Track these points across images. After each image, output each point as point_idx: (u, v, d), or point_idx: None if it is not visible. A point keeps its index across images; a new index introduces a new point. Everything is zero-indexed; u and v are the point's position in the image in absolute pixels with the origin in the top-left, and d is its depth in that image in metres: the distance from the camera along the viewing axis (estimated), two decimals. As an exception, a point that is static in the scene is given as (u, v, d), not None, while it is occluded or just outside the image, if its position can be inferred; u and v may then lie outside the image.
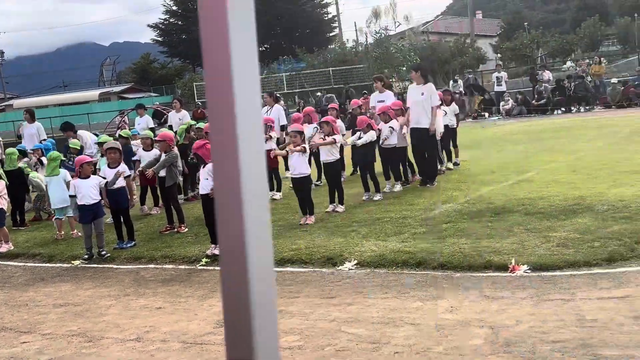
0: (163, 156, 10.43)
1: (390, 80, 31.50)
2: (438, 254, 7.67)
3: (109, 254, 9.58)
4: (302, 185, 10.27)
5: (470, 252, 7.63)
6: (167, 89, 62.82)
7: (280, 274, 7.93)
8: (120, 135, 14.26)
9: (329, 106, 15.99)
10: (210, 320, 6.42)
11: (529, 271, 6.89)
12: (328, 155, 10.97)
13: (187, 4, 76.35)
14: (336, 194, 10.98)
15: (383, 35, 43.35)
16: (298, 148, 10.04)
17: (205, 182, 8.91)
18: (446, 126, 14.17)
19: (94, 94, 64.22)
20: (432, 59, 47.64)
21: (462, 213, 9.67)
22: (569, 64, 39.46)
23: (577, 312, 5.61)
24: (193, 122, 15.03)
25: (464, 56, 45.63)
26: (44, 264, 9.78)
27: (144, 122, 16.94)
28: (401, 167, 12.53)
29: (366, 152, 11.43)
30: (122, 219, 10.02)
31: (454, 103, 15.61)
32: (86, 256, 9.49)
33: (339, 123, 13.81)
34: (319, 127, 11.44)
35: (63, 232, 11.12)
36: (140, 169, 11.29)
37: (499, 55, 49.82)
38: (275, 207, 11.95)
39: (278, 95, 39.75)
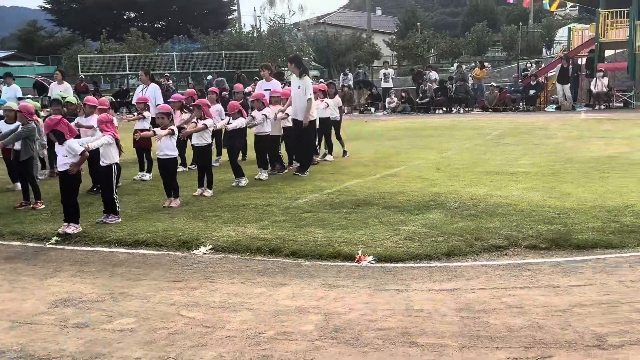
0: (20, 128, 9.98)
1: (283, 69, 31.54)
2: (291, 242, 7.81)
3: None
4: (167, 167, 10.12)
5: (323, 241, 7.81)
6: (53, 59, 59.95)
7: (130, 256, 7.81)
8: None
9: (209, 90, 15.87)
10: (47, 300, 6.22)
11: (373, 262, 7.14)
12: (199, 139, 10.87)
13: None
14: (205, 178, 10.92)
15: (277, 23, 43.33)
16: (164, 132, 9.88)
17: (63, 158, 8.60)
18: (327, 119, 14.43)
19: None
20: (327, 50, 48.22)
21: (325, 204, 9.87)
22: (455, 66, 41.02)
23: (407, 302, 5.87)
24: (68, 96, 14.49)
25: (359, 50, 46.41)
26: None
27: (12, 92, 16.13)
28: (269, 155, 12.66)
29: (234, 137, 11.45)
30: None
31: (337, 96, 15.90)
32: None
33: (218, 107, 13.75)
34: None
35: None
36: (-1, 142, 10.76)
37: (394, 53, 51.03)
38: (143, 187, 11.73)
39: (168, 74, 39.12)
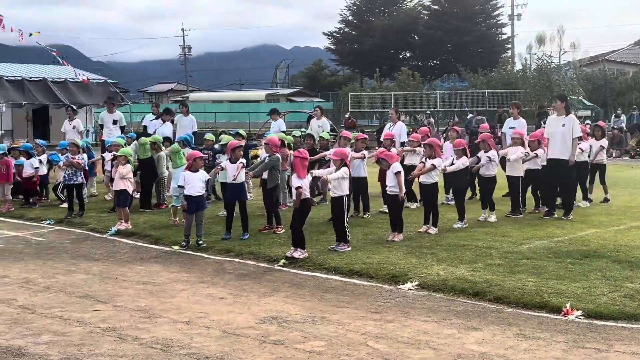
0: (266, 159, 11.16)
1: (548, 109, 30.40)
2: (498, 287, 7.65)
3: (205, 244, 10.42)
4: (394, 203, 10.51)
5: (532, 289, 7.54)
6: (332, 96, 64.44)
7: (342, 284, 8.30)
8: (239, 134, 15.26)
9: (451, 128, 16.12)
10: (257, 316, 6.92)
11: (581, 317, 6.72)
12: (426, 177, 11.14)
13: (363, 15, 78.38)
14: (431, 215, 11.12)
15: (546, 62, 41.88)
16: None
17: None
18: (585, 162, 13.75)
19: (261, 94, 67.75)
20: (604, 89, 45.29)
21: (550, 251, 9.44)
22: None
23: (601, 364, 5.46)
24: (324, 131, 15.92)
25: (640, 90, 42.94)
26: (149, 245, 10.86)
27: (276, 126, 17.92)
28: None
29: (457, 177, 11.50)
30: (240, 212, 10.91)
31: (604, 139, 15.11)
32: (184, 243, 10.41)
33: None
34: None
35: (177, 219, 12.17)
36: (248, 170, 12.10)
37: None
38: (375, 221, 12.27)
39: (429, 112, 39.86)
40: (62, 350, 5.84)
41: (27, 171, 15.07)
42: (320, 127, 17.44)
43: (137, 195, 14.70)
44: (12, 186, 15.05)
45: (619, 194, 15.62)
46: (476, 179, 13.35)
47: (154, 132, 17.69)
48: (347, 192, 10.31)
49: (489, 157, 11.86)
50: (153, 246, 10.80)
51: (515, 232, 11.01)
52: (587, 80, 46.25)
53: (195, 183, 10.47)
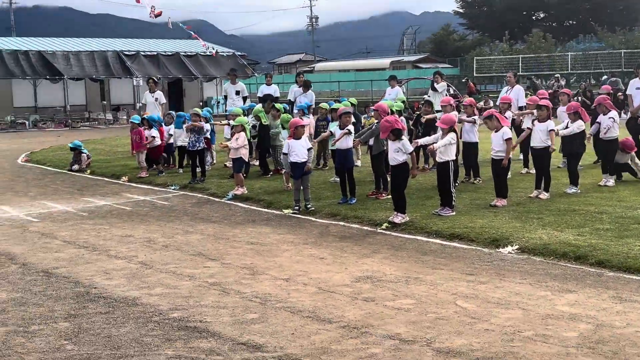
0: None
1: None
2: (602, 251, 7.48)
3: (313, 208, 10.84)
4: (498, 168, 10.40)
5: (637, 254, 7.31)
6: (460, 61, 63.03)
7: (441, 247, 8.42)
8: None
9: (561, 91, 15.64)
10: (353, 275, 7.22)
11: (688, 283, 6.47)
12: (539, 142, 10.88)
13: None
14: (542, 181, 10.90)
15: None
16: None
17: (395, 154, 9.67)
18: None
19: (386, 62, 67.56)
20: None
21: (667, 217, 9.03)
22: None
23: (697, 328, 5.29)
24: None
25: None
26: (262, 209, 11.43)
27: (394, 93, 17.96)
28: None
29: (572, 142, 11.11)
30: (347, 177, 11.24)
31: None
32: (296, 207, 10.88)
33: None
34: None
35: (289, 184, 12.67)
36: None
37: None
38: (482, 187, 12.17)
39: (558, 75, 38.18)
40: (172, 301, 6.43)
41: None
42: (441, 91, 17.38)
43: (256, 163, 15.41)
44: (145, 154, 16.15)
45: None
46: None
47: (295, 100, 18.49)
48: (454, 157, 10.30)
49: (613, 118, 11.46)
50: (265, 210, 11.36)
51: (634, 196, 10.57)
52: None
53: (299, 150, 10.87)
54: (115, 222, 10.64)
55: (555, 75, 38.35)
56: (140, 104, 22.50)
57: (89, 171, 16.98)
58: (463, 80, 35.23)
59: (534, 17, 74.42)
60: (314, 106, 17.92)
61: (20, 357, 5.10)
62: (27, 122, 35.34)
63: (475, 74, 45.98)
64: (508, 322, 5.62)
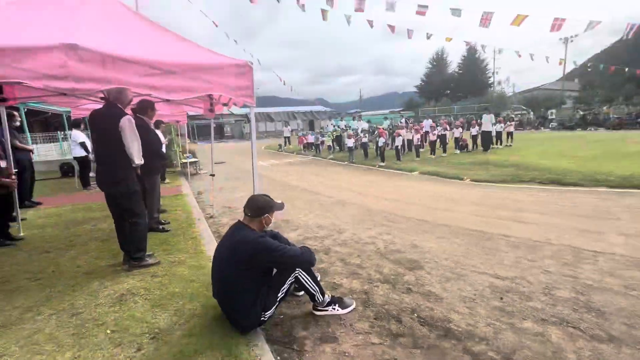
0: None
1: None
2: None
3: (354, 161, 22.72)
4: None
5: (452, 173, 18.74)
6: (416, 110, 77.11)
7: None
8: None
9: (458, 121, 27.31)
10: (362, 180, 18.97)
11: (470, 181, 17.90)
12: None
13: (432, 78, 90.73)
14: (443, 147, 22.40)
15: (501, 92, 54.58)
16: None
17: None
18: None
19: (385, 111, 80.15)
20: None
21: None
22: None
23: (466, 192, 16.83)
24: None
25: None
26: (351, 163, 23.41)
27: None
28: None
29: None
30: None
31: None
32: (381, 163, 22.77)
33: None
34: None
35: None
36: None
37: None
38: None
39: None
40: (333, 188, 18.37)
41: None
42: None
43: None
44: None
45: None
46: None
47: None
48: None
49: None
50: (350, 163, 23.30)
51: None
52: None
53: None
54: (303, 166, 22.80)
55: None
56: None
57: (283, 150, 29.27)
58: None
59: (447, 91, 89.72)
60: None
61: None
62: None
63: (419, 115, 61.18)
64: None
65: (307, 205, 12.41)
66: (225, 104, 8.49)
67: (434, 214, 10.97)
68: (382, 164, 21.29)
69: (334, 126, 34.98)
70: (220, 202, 12.75)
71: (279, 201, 6.11)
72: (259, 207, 5.87)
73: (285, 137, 39.27)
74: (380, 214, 11.25)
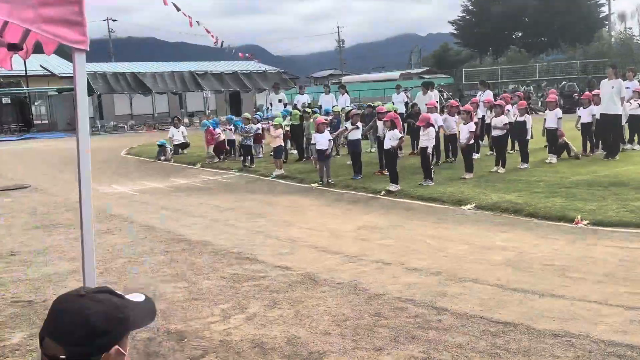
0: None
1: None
2: (532, 207, 8.26)
3: (333, 182, 11.75)
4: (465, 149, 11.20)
5: (558, 207, 8.09)
6: (455, 72, 63.11)
7: (421, 206, 9.26)
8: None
9: (516, 93, 16.37)
10: (356, 225, 8.14)
11: (588, 225, 7.25)
12: (498, 131, 11.64)
13: (482, 5, 75.33)
14: (500, 159, 11.65)
15: (627, 35, 38.71)
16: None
17: (389, 141, 10.54)
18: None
19: (396, 74, 67.97)
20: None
21: (586, 183, 9.74)
22: None
23: (587, 252, 6.11)
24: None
25: None
26: (295, 183, 12.38)
27: (400, 98, 18.86)
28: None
29: (519, 130, 11.87)
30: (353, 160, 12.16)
31: None
32: (320, 182, 11.81)
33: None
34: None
35: (317, 165, 13.57)
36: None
37: None
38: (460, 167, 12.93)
39: (528, 84, 38.18)
40: (231, 243, 7.44)
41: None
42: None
43: (294, 151, 16.35)
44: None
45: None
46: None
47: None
48: (433, 144, 11.09)
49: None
50: (298, 184, 12.31)
51: (567, 169, 11.26)
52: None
53: (322, 141, 11.80)
54: (192, 194, 11.73)
55: (527, 82, 38.47)
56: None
57: (172, 160, 18.17)
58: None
59: (513, 36, 73.80)
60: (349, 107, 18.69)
61: (134, 277, 6.17)
62: (125, 126, 36.91)
63: (464, 82, 46.16)
64: (459, 252, 6.50)
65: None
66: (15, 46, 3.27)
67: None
68: (392, 188, 10.47)
69: (285, 106, 19.57)
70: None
71: (141, 296, 1.26)
72: (92, 330, 1.12)
73: (173, 131, 19.73)
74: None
